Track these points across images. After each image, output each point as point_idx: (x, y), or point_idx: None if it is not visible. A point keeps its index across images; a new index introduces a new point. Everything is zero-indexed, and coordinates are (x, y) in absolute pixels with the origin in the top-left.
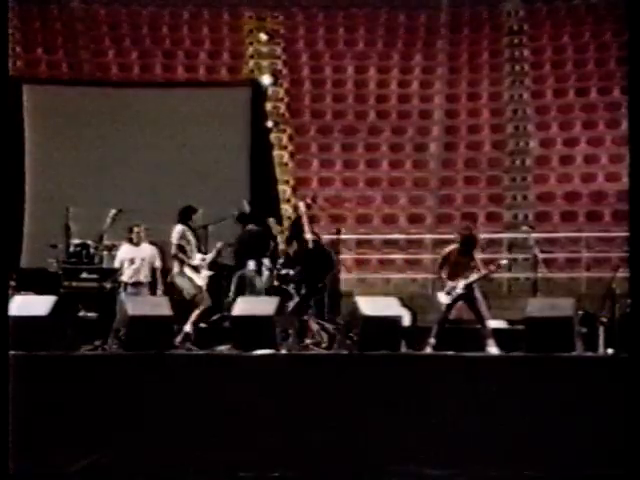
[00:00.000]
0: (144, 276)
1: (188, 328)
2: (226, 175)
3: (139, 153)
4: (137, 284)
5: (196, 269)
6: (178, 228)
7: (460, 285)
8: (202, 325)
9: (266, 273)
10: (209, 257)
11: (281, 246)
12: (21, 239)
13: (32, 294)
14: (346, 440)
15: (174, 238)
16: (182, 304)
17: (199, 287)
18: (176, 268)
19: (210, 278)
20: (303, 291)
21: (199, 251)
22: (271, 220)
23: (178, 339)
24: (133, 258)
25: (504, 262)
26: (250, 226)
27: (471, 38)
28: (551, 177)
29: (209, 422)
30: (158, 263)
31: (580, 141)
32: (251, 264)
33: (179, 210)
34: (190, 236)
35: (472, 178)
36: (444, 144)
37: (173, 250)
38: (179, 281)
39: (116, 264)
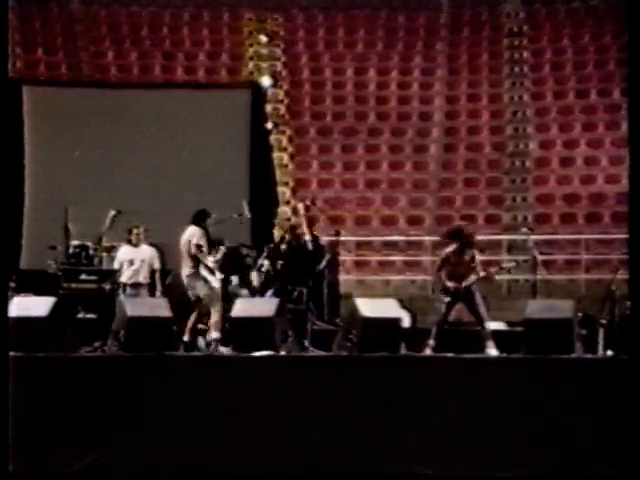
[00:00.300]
0: (143, 277)
1: (215, 335)
2: (226, 176)
3: (138, 154)
4: (136, 285)
5: (211, 271)
6: (194, 229)
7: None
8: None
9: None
10: (218, 259)
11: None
12: (20, 240)
13: (31, 295)
14: (346, 442)
15: (194, 238)
16: (183, 305)
17: (213, 288)
18: (188, 269)
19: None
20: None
21: (209, 254)
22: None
23: (211, 347)
24: (132, 259)
25: (509, 265)
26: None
27: (471, 40)
28: (551, 179)
29: (209, 423)
30: (157, 264)
31: (580, 143)
32: (234, 280)
33: (194, 213)
34: (204, 239)
35: (472, 180)
36: (444, 145)
37: (193, 250)
38: (189, 281)
39: (115, 265)
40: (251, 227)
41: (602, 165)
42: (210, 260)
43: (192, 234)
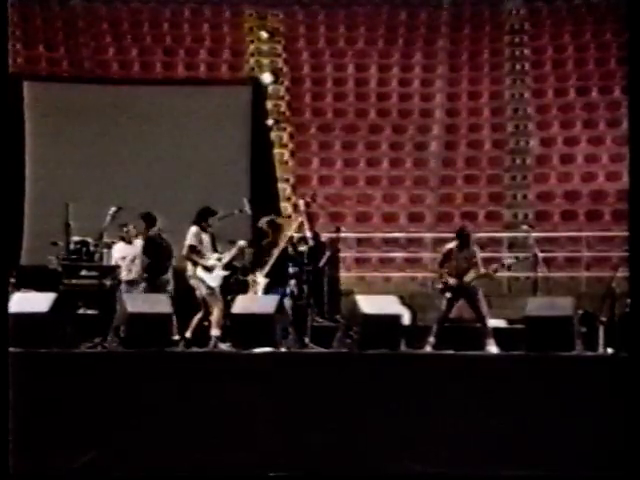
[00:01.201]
0: (136, 272)
1: (216, 332)
2: (226, 173)
3: (139, 151)
4: (131, 282)
5: (209, 270)
6: (193, 229)
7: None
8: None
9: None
10: (226, 257)
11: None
12: (21, 236)
13: (32, 291)
14: (346, 439)
15: (187, 239)
16: (182, 301)
17: (211, 288)
18: (189, 269)
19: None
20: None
21: (215, 251)
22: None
23: (211, 344)
24: (125, 256)
25: (509, 261)
26: (155, 229)
27: (472, 36)
28: (551, 176)
29: (208, 420)
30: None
31: (580, 140)
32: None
33: (197, 211)
34: (205, 237)
35: (472, 177)
36: (444, 143)
37: (185, 251)
38: (192, 282)
39: (112, 263)
40: (252, 224)
41: (603, 163)
42: (213, 258)
43: (188, 235)
